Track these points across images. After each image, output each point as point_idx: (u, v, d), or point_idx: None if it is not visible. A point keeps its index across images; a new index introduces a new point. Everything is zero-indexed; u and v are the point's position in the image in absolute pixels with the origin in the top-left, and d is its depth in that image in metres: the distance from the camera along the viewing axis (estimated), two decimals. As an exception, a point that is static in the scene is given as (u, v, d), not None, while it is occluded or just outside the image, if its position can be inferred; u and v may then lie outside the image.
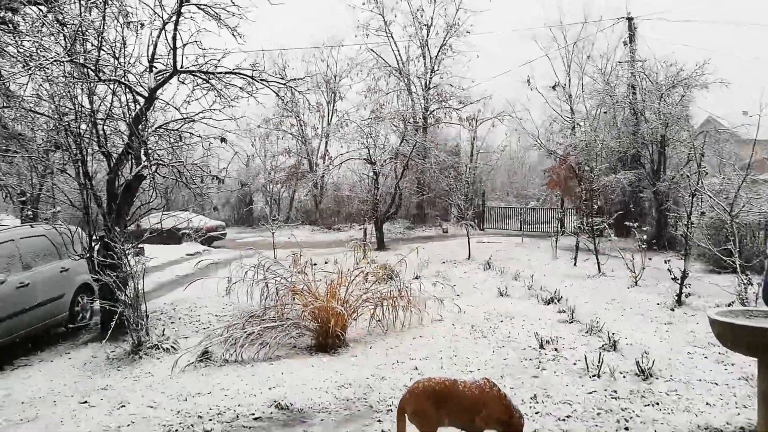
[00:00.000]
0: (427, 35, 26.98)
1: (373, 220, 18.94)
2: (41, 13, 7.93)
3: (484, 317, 8.49)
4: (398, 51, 26.97)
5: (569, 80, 24.26)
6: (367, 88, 26.67)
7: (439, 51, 26.92)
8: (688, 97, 16.14)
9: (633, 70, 18.61)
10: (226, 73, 8.17)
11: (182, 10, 7.74)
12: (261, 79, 8.45)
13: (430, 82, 26.83)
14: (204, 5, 7.74)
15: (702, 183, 8.86)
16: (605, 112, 18.75)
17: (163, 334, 7.41)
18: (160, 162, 8.54)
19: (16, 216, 18.22)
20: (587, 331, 7.43)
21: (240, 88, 8.99)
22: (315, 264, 14.40)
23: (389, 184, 20.59)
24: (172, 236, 20.13)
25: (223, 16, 8.44)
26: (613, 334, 7.07)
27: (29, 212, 13.15)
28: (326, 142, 29.31)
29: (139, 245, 8.85)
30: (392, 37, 26.77)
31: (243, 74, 8.33)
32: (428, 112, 26.54)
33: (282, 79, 8.69)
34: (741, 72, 16.23)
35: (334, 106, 29.89)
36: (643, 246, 11.12)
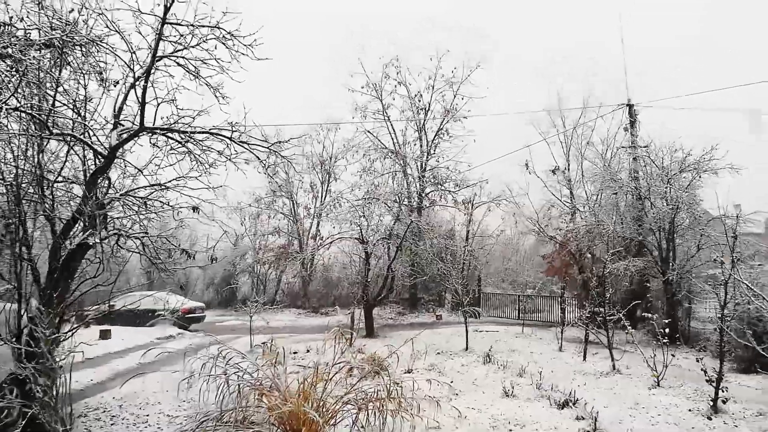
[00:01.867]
0: (425, 119, 26.97)
1: (362, 303, 17.64)
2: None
3: (490, 425, 7.12)
4: (395, 133, 26.84)
5: (568, 165, 23.93)
6: (362, 169, 26.24)
7: (435, 135, 26.79)
8: (695, 184, 15.48)
9: (635, 155, 18.13)
10: (200, 132, 7.30)
11: (157, 64, 6.97)
12: (241, 141, 7.57)
13: (425, 165, 26.45)
14: (180, 56, 6.99)
15: (738, 270, 7.79)
16: (615, 194, 18.06)
17: (91, 443, 5.99)
18: (119, 232, 7.46)
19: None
20: (617, 448, 6.09)
21: (218, 152, 8.13)
22: (296, 353, 13.12)
23: (381, 265, 19.49)
24: (145, 318, 18.77)
25: (204, 74, 7.74)
26: (650, 453, 5.75)
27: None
28: (318, 222, 28.49)
29: (102, 329, 7.61)
30: (389, 119, 26.74)
31: (220, 135, 7.45)
32: (423, 194, 25.97)
33: (265, 141, 7.80)
34: (754, 160, 15.67)
35: (328, 186, 29.39)
36: (664, 341, 9.88)
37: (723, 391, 7.78)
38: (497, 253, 31.29)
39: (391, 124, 26.71)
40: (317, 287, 27.84)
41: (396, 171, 26.24)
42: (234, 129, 7.61)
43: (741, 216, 9.36)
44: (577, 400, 8.16)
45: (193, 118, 7.63)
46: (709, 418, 7.43)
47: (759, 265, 11.31)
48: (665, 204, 15.73)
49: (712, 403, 7.78)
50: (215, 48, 7.74)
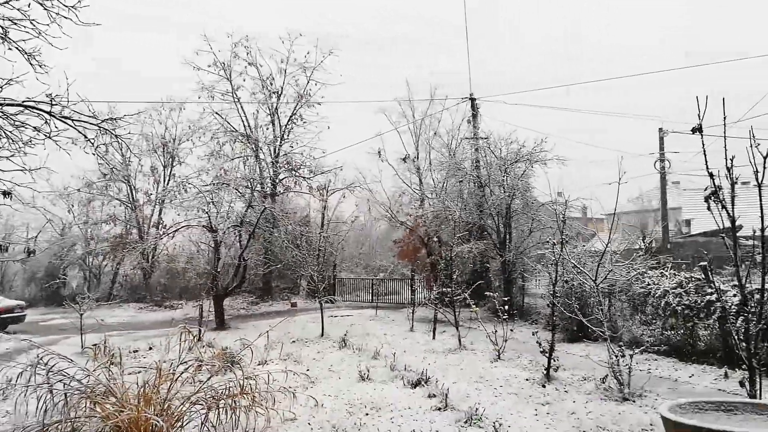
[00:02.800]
0: (277, 103, 26.16)
1: (212, 295, 16.70)
2: None
3: (346, 410, 7.09)
4: (246, 116, 25.68)
5: (417, 154, 24.83)
6: (210, 153, 24.77)
7: (289, 120, 26.17)
8: (528, 173, 17.01)
9: (477, 146, 19.39)
10: (10, 105, 6.20)
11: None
12: (64, 117, 6.57)
13: (279, 150, 25.75)
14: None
15: (566, 251, 8.63)
16: (460, 181, 19.13)
17: None
18: None
19: None
20: (466, 421, 6.40)
21: (35, 128, 7.00)
22: (136, 351, 12.00)
23: (233, 255, 18.63)
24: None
25: (14, 37, 6.59)
26: (495, 422, 6.13)
27: None
28: (161, 209, 26.39)
29: None
30: (239, 101, 25.49)
31: (37, 108, 6.39)
32: (277, 180, 25.32)
33: (93, 117, 6.84)
34: (574, 151, 17.63)
35: (171, 170, 27.24)
36: (504, 317, 10.70)
37: (555, 361, 8.61)
38: (351, 238, 31.73)
39: (242, 107, 25.56)
40: (161, 279, 25.85)
41: (248, 155, 25.18)
42: (54, 102, 6.59)
43: (568, 202, 10.39)
44: (429, 378, 8.47)
45: (1, 87, 6.47)
46: (544, 386, 8.17)
47: (583, 245, 12.70)
48: (503, 191, 17.06)
49: (545, 372, 8.57)
50: (29, 7, 6.66)
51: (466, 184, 19.78)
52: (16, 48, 6.70)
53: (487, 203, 17.47)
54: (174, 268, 24.83)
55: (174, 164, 27.19)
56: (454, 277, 12.93)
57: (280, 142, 25.85)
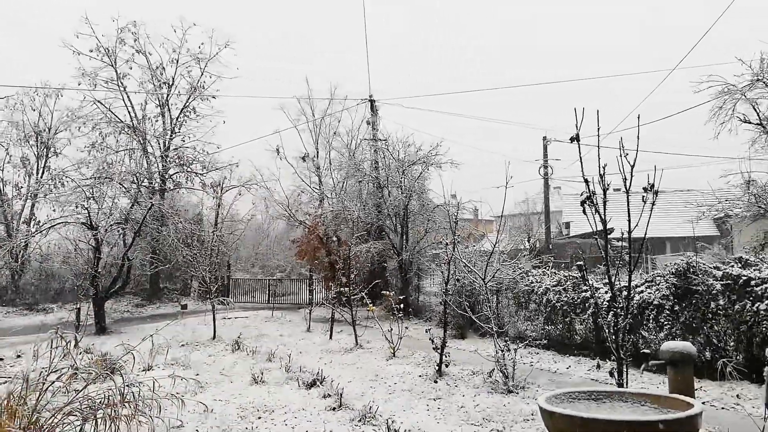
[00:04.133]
0: (168, 94, 24.82)
1: (91, 297, 15.47)
2: None
3: (238, 415, 6.86)
4: (132, 107, 24.07)
5: (317, 152, 24.72)
6: (91, 144, 22.94)
7: (181, 112, 24.91)
8: (425, 175, 17.53)
9: (376, 147, 19.66)
10: None
11: None
12: None
13: (169, 144, 24.42)
14: None
15: (458, 251, 8.97)
16: (359, 182, 19.26)
17: None
18: None
19: None
20: (360, 420, 6.43)
21: None
22: (1, 359, 10.82)
23: (116, 254, 17.39)
24: None
25: None
26: (388, 419, 6.22)
27: None
28: (33, 204, 23.98)
29: None
30: (125, 90, 23.86)
31: None
32: (167, 176, 23.98)
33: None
34: (467, 156, 18.42)
35: (46, 162, 24.82)
36: (399, 315, 10.93)
37: (446, 357, 8.92)
38: (248, 238, 30.88)
39: (128, 96, 23.95)
40: (32, 280, 23.50)
41: (134, 148, 23.66)
42: None
43: (460, 204, 10.83)
44: (324, 378, 8.42)
45: None
46: (436, 382, 8.44)
47: (473, 246, 13.29)
48: (400, 192, 17.44)
49: (437, 368, 8.85)
50: None
51: (365, 185, 20.00)
52: None
53: (386, 204, 17.78)
54: (48, 268, 22.70)
55: (49, 155, 24.79)
56: (352, 276, 12.99)
57: (171, 136, 24.56)
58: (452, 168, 17.17)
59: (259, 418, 6.73)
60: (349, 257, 13.48)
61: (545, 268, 12.56)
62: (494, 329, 8.14)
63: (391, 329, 10.76)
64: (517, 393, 7.64)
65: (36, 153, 24.74)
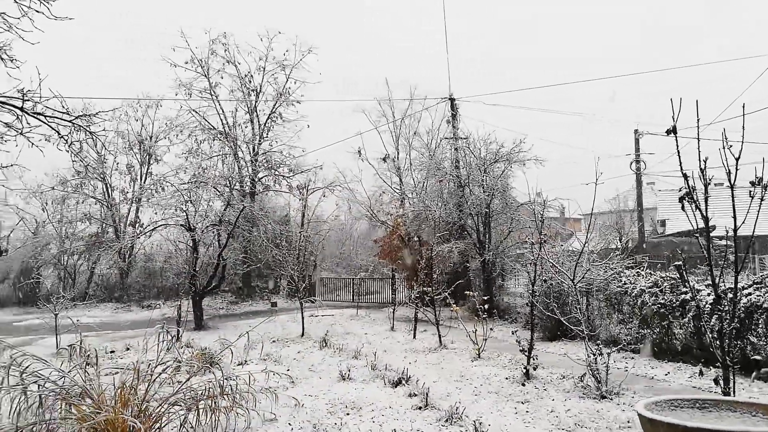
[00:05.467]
0: (256, 101, 26.01)
1: (191, 294, 16.50)
2: None
3: (327, 410, 7.06)
4: (224, 114, 25.46)
5: (398, 153, 24.90)
6: (188, 151, 24.51)
7: (268, 118, 26.02)
8: (507, 173, 17.16)
9: (456, 146, 19.49)
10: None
11: None
12: (36, 113, 6.42)
13: (258, 148, 25.58)
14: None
15: (545, 251, 8.72)
16: (440, 181, 19.22)
17: None
18: None
19: None
20: (447, 420, 6.42)
21: (6, 125, 6.82)
22: (113, 352, 11.81)
23: (211, 254, 18.42)
24: None
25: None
26: (475, 421, 6.16)
27: None
28: (137, 208, 25.97)
29: None
30: (218, 99, 25.27)
31: (7, 104, 6.24)
32: (256, 179, 25.14)
33: (67, 114, 6.71)
34: (553, 152, 17.80)
35: (148, 168, 26.83)
36: (484, 316, 10.77)
37: (534, 359, 8.69)
38: (332, 238, 31.65)
39: (220, 104, 25.35)
40: (138, 278, 25.46)
41: (226, 154, 25.00)
42: (26, 98, 6.42)
43: (547, 202, 10.50)
44: (410, 377, 8.49)
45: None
46: (523, 384, 8.24)
47: (560, 245, 12.84)
48: (482, 191, 17.17)
49: (525, 371, 8.64)
50: (-2, -1, 6.47)
51: (446, 184, 19.88)
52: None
53: (467, 203, 17.57)
54: (151, 267, 24.50)
55: (151, 162, 26.81)
56: (435, 276, 12.97)
57: (260, 141, 25.70)
58: (536, 165, 16.72)
59: (348, 414, 6.89)
60: (431, 257, 13.46)
61: (639, 268, 11.88)
62: (585, 332, 7.83)
63: (476, 330, 10.64)
64: (611, 399, 7.30)
65: (139, 160, 26.80)
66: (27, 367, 5.59)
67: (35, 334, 15.11)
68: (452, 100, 21.36)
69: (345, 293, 24.86)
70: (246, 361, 9.82)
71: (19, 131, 6.66)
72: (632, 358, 10.18)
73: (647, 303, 10.51)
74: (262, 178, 25.65)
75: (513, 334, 9.21)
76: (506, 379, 8.70)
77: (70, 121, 6.73)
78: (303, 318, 14.51)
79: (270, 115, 26.00)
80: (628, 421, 6.32)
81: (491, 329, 11.04)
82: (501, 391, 7.95)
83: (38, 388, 5.46)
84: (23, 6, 6.47)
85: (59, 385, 5.42)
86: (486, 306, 10.88)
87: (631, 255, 14.80)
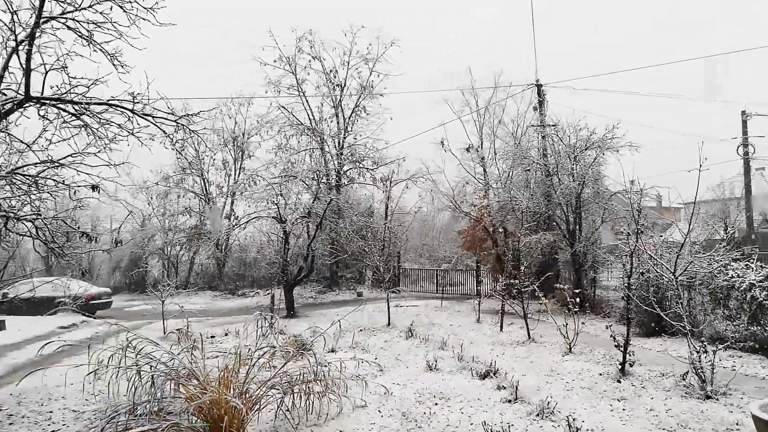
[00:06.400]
0: (341, 96, 26.54)
1: (282, 283, 17.23)
2: None
3: (416, 399, 7.15)
4: (311, 110, 26.21)
5: (482, 143, 24.49)
6: (277, 146, 25.49)
7: (352, 112, 26.48)
8: (599, 160, 16.36)
9: (544, 133, 18.86)
10: (96, 103, 6.62)
11: (43, 26, 6.19)
12: (145, 114, 6.96)
13: (343, 142, 26.13)
14: (70, 18, 6.25)
15: (642, 242, 8.27)
16: (527, 170, 18.72)
17: (-17, 448, 5.36)
18: (7, 214, 6.67)
19: None
20: (538, 414, 6.29)
21: (119, 125, 7.44)
22: (213, 337, 12.59)
23: (301, 245, 19.11)
24: (45, 306, 17.36)
25: (99, 39, 7.00)
26: (568, 416, 6.00)
27: None
28: (232, 201, 27.45)
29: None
30: (305, 95, 26.04)
31: (120, 107, 6.80)
32: (342, 172, 25.71)
33: (172, 114, 7.21)
34: (649, 137, 16.75)
35: (241, 164, 28.27)
36: (575, 309, 10.41)
37: (630, 355, 8.29)
38: (415, 229, 31.77)
39: (307, 100, 26.09)
40: (233, 268, 26.95)
41: (313, 148, 25.74)
42: (136, 100, 6.97)
43: (643, 190, 9.91)
44: (498, 370, 8.40)
45: (88, 87, 6.91)
46: (619, 381, 7.90)
47: (660, 236, 12.12)
48: (572, 180, 16.51)
49: (620, 367, 8.27)
50: (111, 10, 7.03)
51: (532, 173, 19.30)
52: (100, 50, 7.11)
53: (556, 192, 16.97)
54: (246, 257, 25.80)
55: (244, 158, 28.19)
56: (522, 268, 12.68)
57: (344, 135, 26.22)
58: (631, 151, 15.77)
59: (436, 404, 6.93)
60: (518, 248, 13.16)
61: (749, 260, 10.94)
62: (687, 328, 7.36)
63: (566, 324, 10.30)
64: (717, 399, 6.83)
65: (233, 156, 28.26)
66: (141, 350, 6.12)
67: (143, 319, 16.40)
68: (539, 86, 20.66)
69: (428, 284, 24.90)
70: (335, 349, 10.14)
71: (130, 131, 7.25)
72: (740, 356, 9.45)
73: (758, 298, 9.69)
74: (347, 170, 26.18)
75: (607, 328, 8.84)
76: (600, 375, 8.37)
77: (174, 121, 7.22)
78: (389, 308, 14.71)
79: (354, 109, 26.44)
80: (737, 423, 5.90)
81: (583, 323, 10.64)
82: (594, 387, 7.67)
83: (151, 368, 5.96)
84: (131, 14, 7.00)
85: (169, 367, 5.88)
86: (577, 299, 10.50)
87: (738, 246, 13.64)
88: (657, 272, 8.61)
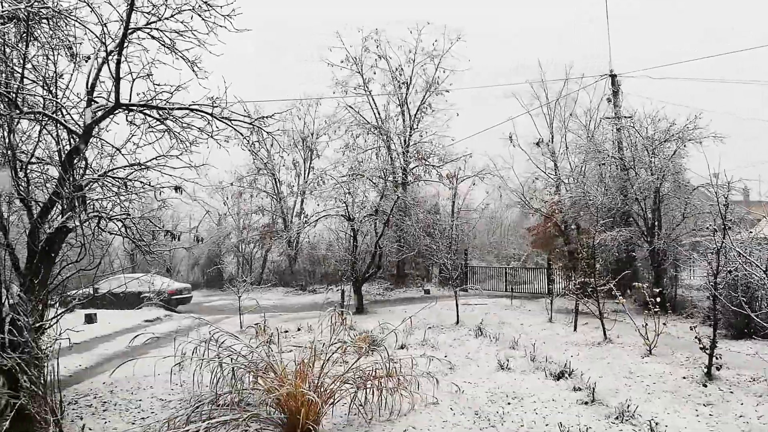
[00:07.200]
0: (407, 93, 26.57)
1: (351, 280, 17.50)
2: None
3: (488, 398, 7.07)
4: (377, 108, 26.42)
5: (552, 137, 23.73)
6: (345, 145, 25.90)
7: (418, 109, 26.46)
8: (680, 153, 15.49)
9: (619, 125, 18.08)
10: (178, 109, 6.97)
11: (130, 37, 6.60)
12: (223, 117, 7.26)
13: (409, 140, 26.17)
14: (154, 28, 6.62)
15: (730, 238, 7.77)
16: (601, 165, 18.04)
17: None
18: (100, 214, 7.16)
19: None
20: (617, 417, 6.07)
21: (199, 129, 7.80)
22: (286, 331, 12.98)
23: (368, 242, 19.32)
24: (131, 301, 18.49)
25: (180, 47, 7.36)
26: (650, 421, 5.74)
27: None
28: (302, 200, 28.18)
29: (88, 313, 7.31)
30: (371, 94, 26.30)
31: (201, 111, 7.13)
32: (408, 170, 25.76)
33: (248, 117, 7.50)
34: (736, 127, 15.63)
35: (310, 164, 28.97)
36: (655, 309, 9.91)
37: (717, 358, 7.82)
38: (482, 226, 31.37)
39: (373, 99, 26.33)
40: (304, 265, 27.66)
41: (379, 146, 25.94)
42: (215, 105, 7.28)
43: (730, 184, 9.27)
44: (573, 370, 8.16)
45: (171, 93, 7.27)
46: (704, 385, 7.47)
47: (749, 232, 11.35)
48: (650, 174, 15.71)
49: (706, 370, 7.81)
50: (191, 19, 7.37)
51: (607, 168, 18.55)
52: (182, 57, 7.48)
53: (632, 187, 16.21)
54: (315, 255, 26.41)
55: (313, 157, 28.87)
56: (597, 266, 12.21)
57: (410, 132, 26.25)
58: (716, 142, 14.80)
59: (509, 404, 6.83)
60: (592, 246, 12.71)
61: None
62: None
63: (646, 324, 9.84)
64: (819, 409, 6.33)
65: (303, 156, 29.00)
66: (222, 343, 6.41)
67: (221, 314, 17.14)
68: (613, 76, 19.82)
69: (496, 282, 24.50)
70: (404, 346, 10.18)
71: (210, 134, 7.58)
72: None
73: None
74: (413, 168, 26.20)
75: (691, 329, 8.38)
76: (683, 378, 7.94)
77: (250, 124, 7.49)
78: (457, 306, 14.61)
79: (420, 106, 26.41)
80: (844, 436, 5.44)
81: (664, 324, 10.09)
82: (678, 391, 7.29)
83: (231, 361, 6.23)
84: (210, 22, 7.32)
85: (248, 360, 6.13)
86: (657, 298, 10.00)
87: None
88: (746, 270, 8.05)
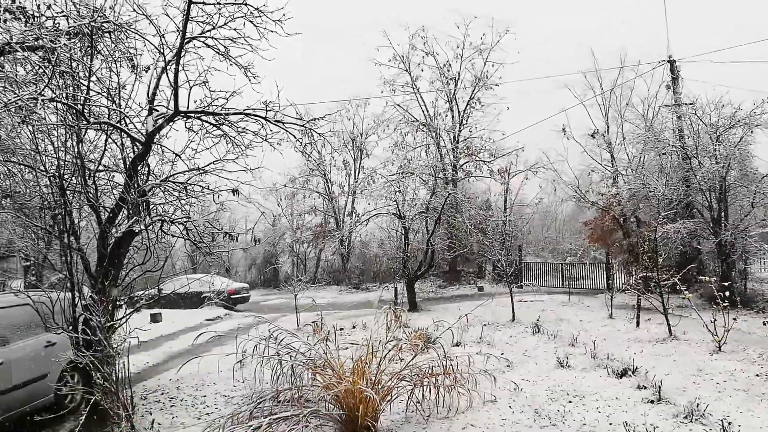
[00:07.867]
0: (455, 89, 26.36)
1: (404, 278, 17.53)
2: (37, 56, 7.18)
3: (547, 396, 6.93)
4: (425, 106, 26.33)
5: (608, 127, 22.99)
6: (394, 144, 25.95)
7: (467, 105, 26.20)
8: (747, 139, 14.65)
9: (680, 113, 17.30)
10: (234, 114, 7.18)
11: (186, 46, 6.84)
12: (276, 121, 7.43)
13: (458, 136, 25.95)
14: (209, 37, 6.84)
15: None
16: (662, 154, 17.33)
17: (152, 427, 6.05)
18: (163, 218, 7.47)
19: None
20: (686, 417, 5.82)
21: (254, 133, 8.01)
22: (342, 329, 13.15)
23: (420, 240, 19.30)
24: (193, 300, 19.20)
25: (233, 54, 7.58)
26: (722, 420, 5.48)
27: (32, 278, 12.19)
28: (353, 200, 28.47)
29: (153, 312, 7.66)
30: (419, 92, 26.22)
31: (255, 116, 7.32)
32: (458, 166, 25.55)
33: (300, 119, 7.65)
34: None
35: (360, 163, 29.22)
36: (724, 304, 9.43)
37: (795, 355, 7.38)
38: (536, 221, 30.72)
39: (421, 97, 26.25)
40: (356, 264, 27.95)
41: (429, 144, 25.86)
42: (268, 108, 7.46)
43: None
44: (637, 368, 7.88)
45: (227, 99, 7.49)
46: (781, 383, 7.07)
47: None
48: (714, 162, 14.96)
49: (783, 368, 7.40)
50: (243, 26, 7.56)
51: (667, 157, 17.79)
52: (235, 63, 7.70)
53: (696, 177, 15.48)
54: (367, 253, 26.62)
55: (362, 157, 29.11)
56: (660, 260, 11.73)
57: (459, 128, 26.03)
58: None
59: (570, 402, 6.67)
60: (655, 239, 12.23)
61: None
62: None
63: (714, 320, 9.38)
64: None
65: (353, 156, 29.28)
66: (281, 340, 6.55)
67: (278, 312, 17.54)
68: (672, 62, 18.96)
69: (552, 278, 23.96)
70: (460, 343, 10.12)
71: (264, 138, 7.78)
72: None
73: None
74: (463, 164, 25.96)
75: (765, 324, 7.94)
76: (756, 375, 7.53)
77: (302, 126, 7.62)
78: (513, 302, 14.38)
79: (468, 101, 26.14)
80: None
81: (734, 319, 9.60)
82: (751, 389, 6.92)
83: (290, 358, 6.36)
84: (261, 28, 7.50)
85: (307, 357, 6.24)
86: (726, 292, 9.52)
87: None
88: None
